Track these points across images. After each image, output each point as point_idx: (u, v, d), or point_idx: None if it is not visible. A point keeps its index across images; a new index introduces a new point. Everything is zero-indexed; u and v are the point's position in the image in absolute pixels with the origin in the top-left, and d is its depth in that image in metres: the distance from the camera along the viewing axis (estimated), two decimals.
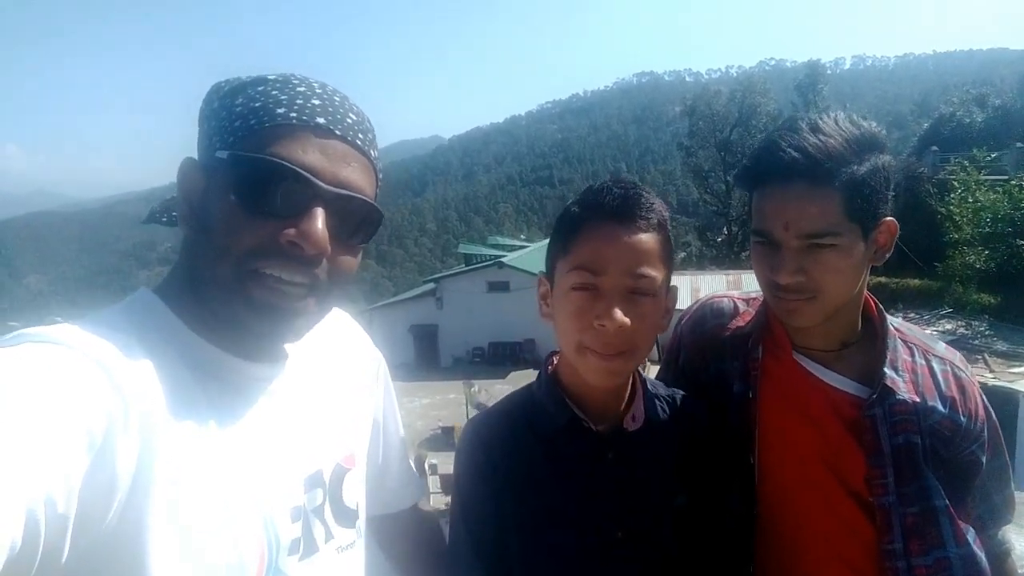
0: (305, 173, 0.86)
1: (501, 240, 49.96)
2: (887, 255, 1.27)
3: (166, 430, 0.79)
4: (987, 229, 19.89)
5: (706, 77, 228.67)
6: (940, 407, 1.27)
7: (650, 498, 1.19)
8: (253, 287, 0.87)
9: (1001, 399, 13.25)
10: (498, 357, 29.09)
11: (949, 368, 1.33)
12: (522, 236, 77.42)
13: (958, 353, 1.39)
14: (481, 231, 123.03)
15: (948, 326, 18.13)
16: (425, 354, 30.10)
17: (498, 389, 22.70)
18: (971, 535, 1.28)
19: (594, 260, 1.10)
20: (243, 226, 0.86)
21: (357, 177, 0.92)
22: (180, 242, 0.96)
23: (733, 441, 1.31)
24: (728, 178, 43.65)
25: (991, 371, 14.50)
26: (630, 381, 1.22)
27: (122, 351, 0.79)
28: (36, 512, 0.62)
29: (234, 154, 0.87)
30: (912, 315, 19.53)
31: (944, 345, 1.38)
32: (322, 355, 1.10)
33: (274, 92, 0.90)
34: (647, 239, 1.10)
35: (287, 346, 1.03)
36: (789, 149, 1.15)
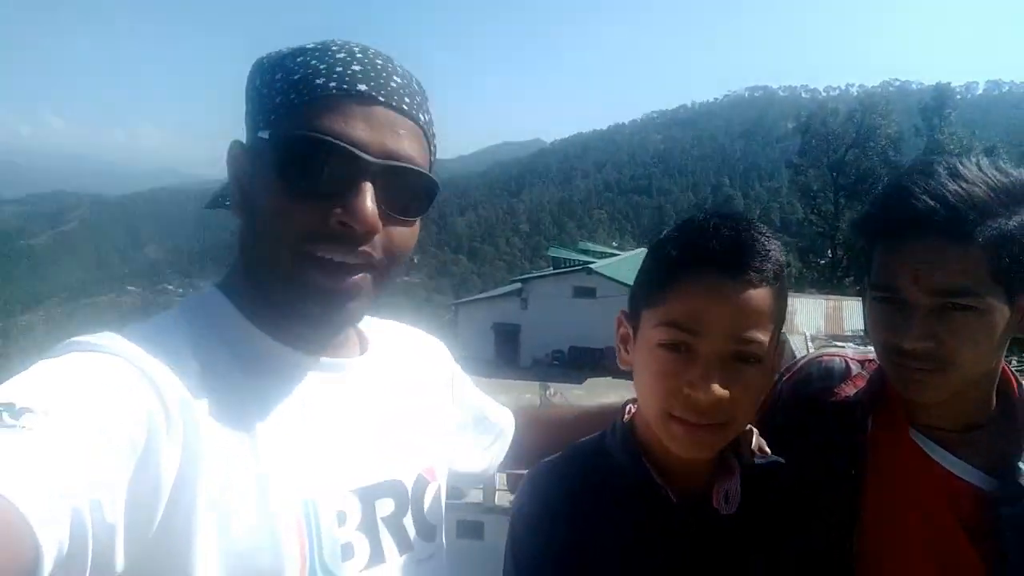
0: (349, 147, 0.81)
1: (592, 246, 49.77)
2: None
3: (210, 435, 0.78)
4: None
5: (823, 95, 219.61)
6: None
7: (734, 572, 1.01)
8: (309, 271, 0.85)
9: None
10: (577, 362, 28.86)
11: None
12: (614, 244, 76.74)
13: None
14: (573, 236, 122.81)
15: None
16: (505, 353, 30.27)
17: (574, 394, 22.52)
18: None
19: (691, 317, 0.93)
20: (291, 209, 0.83)
21: (406, 145, 0.87)
22: (240, 236, 0.93)
23: (830, 527, 1.13)
24: (839, 199, 41.68)
25: None
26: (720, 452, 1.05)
27: (168, 357, 0.78)
28: (83, 516, 0.62)
29: (275, 133, 0.83)
30: None
31: None
32: (405, 364, 1.08)
33: (312, 62, 0.85)
34: (759, 296, 0.93)
35: (369, 343, 1.03)
36: (925, 197, 1.00)
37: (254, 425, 0.83)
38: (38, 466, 0.61)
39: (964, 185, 1.00)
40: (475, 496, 15.88)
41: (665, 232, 1.04)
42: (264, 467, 0.82)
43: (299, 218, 0.83)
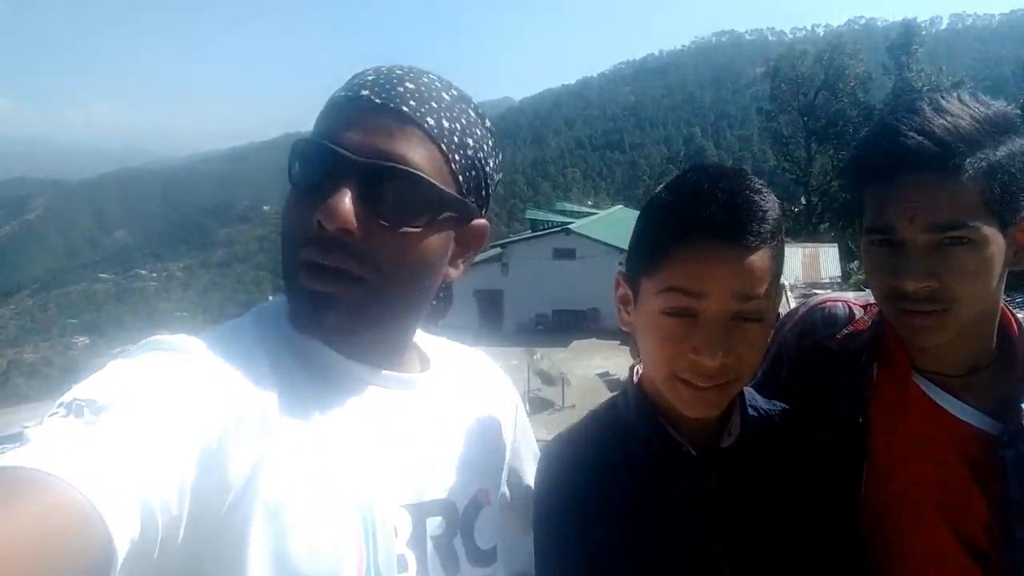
0: (330, 144, 0.83)
1: (569, 206, 49.51)
2: None
3: (279, 441, 0.80)
4: None
5: (791, 37, 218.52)
6: None
7: (761, 527, 1.04)
8: (299, 273, 0.86)
9: None
10: (562, 325, 28.99)
11: None
12: (589, 202, 76.52)
13: None
14: (549, 196, 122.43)
15: None
16: (489, 319, 30.25)
17: (560, 357, 22.65)
18: None
19: (693, 282, 0.93)
20: (291, 212, 0.88)
21: (402, 148, 0.84)
22: None
23: (839, 473, 1.15)
24: (811, 144, 41.81)
25: None
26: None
27: (242, 360, 0.81)
28: (154, 513, 0.65)
29: (294, 141, 0.88)
30: (1019, 298, 18.27)
31: None
32: (464, 386, 1.07)
33: (348, 81, 0.90)
34: (759, 257, 0.93)
35: (431, 362, 1.04)
36: (913, 134, 1.00)
37: (318, 433, 0.84)
38: (115, 462, 0.64)
39: (950, 119, 1.00)
40: None
41: (659, 192, 1.03)
42: (326, 475, 0.83)
43: (295, 219, 0.86)
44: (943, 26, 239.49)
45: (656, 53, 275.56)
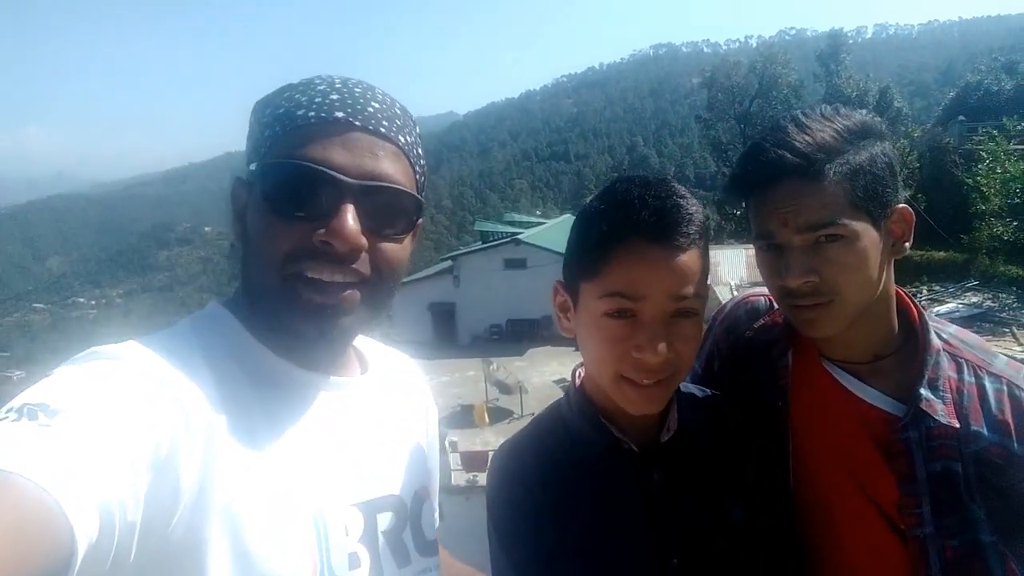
0: (328, 171, 0.86)
1: (517, 217, 49.77)
2: (907, 246, 1.18)
3: (225, 445, 0.81)
4: (1016, 200, 19.43)
5: (724, 48, 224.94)
6: (987, 432, 1.14)
7: (703, 517, 1.09)
8: (298, 288, 0.88)
9: None
10: (516, 334, 29.08)
11: (1006, 388, 1.18)
12: (538, 212, 77.16)
13: None
14: (497, 208, 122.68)
15: (975, 299, 17.81)
16: (443, 332, 30.20)
17: (516, 366, 22.78)
18: None
19: (631, 286, 0.99)
20: (278, 231, 0.88)
21: (386, 166, 0.90)
22: (240, 258, 0.97)
23: (770, 453, 1.23)
24: None
25: (1020, 343, 14.25)
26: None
27: (184, 368, 0.82)
28: (111, 514, 0.66)
29: (261, 163, 0.89)
30: (937, 287, 19.22)
31: (1006, 360, 1.23)
32: (398, 385, 1.12)
33: (296, 96, 0.91)
34: (690, 257, 1.00)
35: (369, 364, 1.08)
36: (775, 149, 1.11)
37: (265, 438, 0.86)
38: (73, 463, 0.64)
39: (808, 132, 1.11)
40: None
41: (590, 201, 1.09)
42: (276, 478, 0.85)
43: (284, 238, 0.87)
44: (868, 35, 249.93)
45: (597, 66, 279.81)
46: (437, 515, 1.13)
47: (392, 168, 0.91)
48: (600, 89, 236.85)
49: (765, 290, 1.39)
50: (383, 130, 0.91)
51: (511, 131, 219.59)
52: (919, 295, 18.58)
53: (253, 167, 0.91)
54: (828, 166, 1.09)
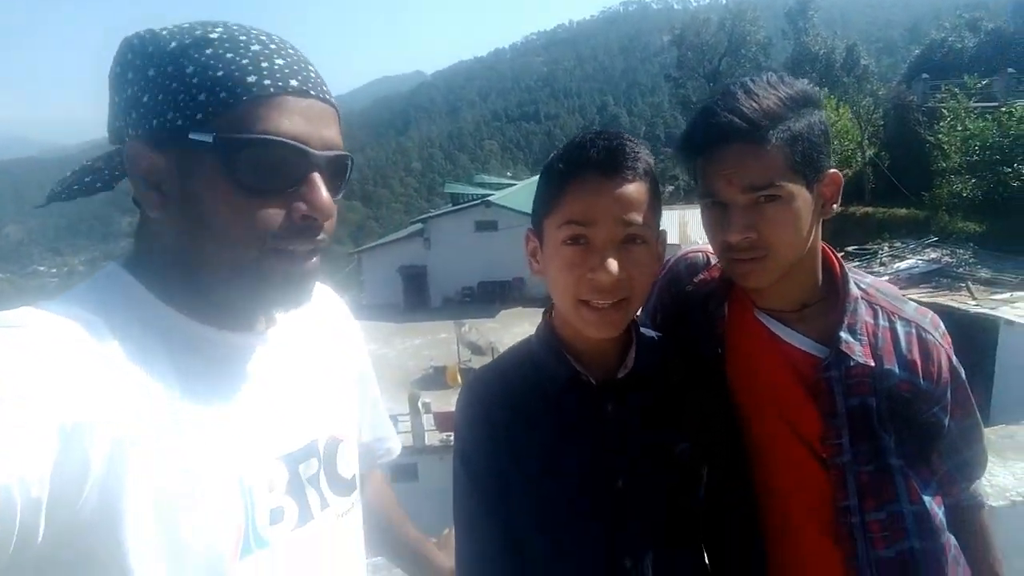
0: (300, 145, 0.85)
1: (487, 179, 49.54)
2: (835, 207, 1.28)
3: (137, 411, 0.78)
4: (975, 157, 19.90)
5: (695, 5, 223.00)
6: (898, 370, 1.28)
7: (649, 447, 1.19)
8: (276, 264, 0.87)
9: (982, 326, 13.50)
10: (488, 296, 29.17)
11: (914, 331, 1.33)
12: (508, 174, 76.82)
13: (930, 314, 1.39)
14: (467, 169, 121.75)
15: (933, 255, 18.30)
16: (415, 295, 30.17)
17: (488, 327, 22.90)
18: (930, 491, 1.32)
19: (584, 213, 1.10)
20: (253, 211, 0.84)
21: (335, 133, 0.91)
22: (147, 222, 0.91)
23: (713, 394, 1.32)
24: None
25: (974, 298, 14.73)
26: (627, 331, 1.22)
27: (89, 333, 0.78)
28: (12, 492, 0.63)
29: (223, 137, 0.82)
30: (898, 244, 19.67)
31: (915, 307, 1.39)
32: (307, 327, 1.08)
33: (229, 55, 0.84)
34: (635, 188, 1.11)
35: (276, 317, 1.03)
36: (725, 113, 1.19)
37: (181, 400, 0.84)
38: None
39: (756, 99, 1.19)
40: (405, 440, 16.10)
41: (552, 153, 1.20)
42: (196, 442, 0.83)
43: (262, 218, 0.85)
44: None
45: (566, 23, 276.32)
46: (357, 450, 1.12)
47: (338, 134, 0.92)
48: (570, 47, 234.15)
49: (703, 247, 1.51)
50: (325, 95, 0.90)
51: (480, 91, 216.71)
52: (880, 251, 19.03)
53: (205, 138, 0.82)
54: (772, 132, 1.17)
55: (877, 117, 28.11)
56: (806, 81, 1.26)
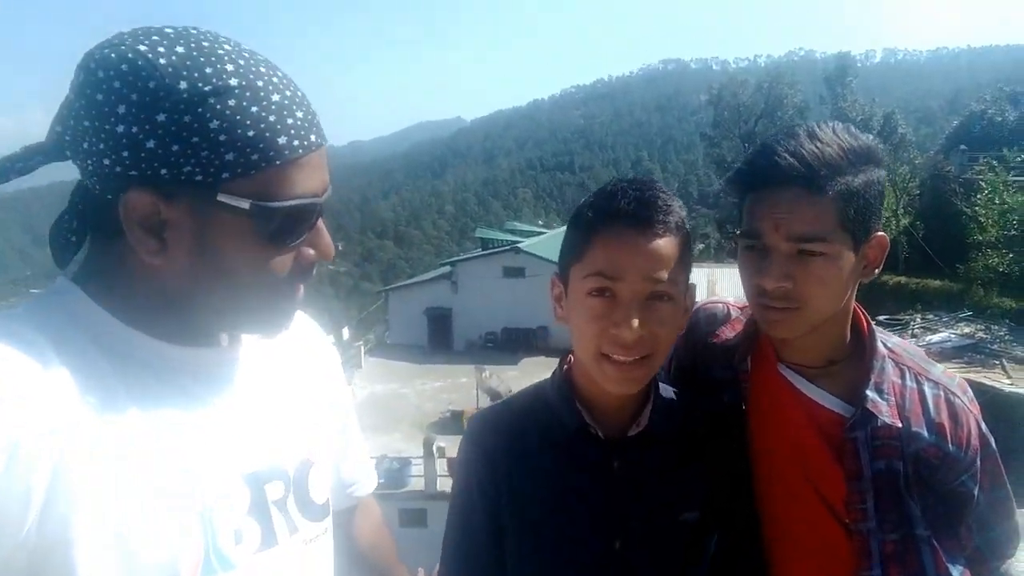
0: (318, 200, 0.88)
1: (519, 226, 49.95)
2: (876, 271, 1.25)
3: (84, 433, 0.75)
4: (1013, 232, 19.55)
5: (733, 66, 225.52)
6: (925, 433, 1.23)
7: (654, 510, 1.17)
8: (281, 301, 0.90)
9: (1017, 405, 13.05)
10: (511, 343, 29.11)
11: (943, 393, 1.27)
12: (540, 222, 77.21)
13: (958, 377, 1.34)
14: (499, 215, 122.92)
15: (967, 329, 17.86)
16: (438, 337, 30.22)
17: (510, 375, 22.77)
18: (958, 567, 1.24)
19: (610, 266, 1.08)
20: (268, 260, 0.86)
21: (327, 172, 0.92)
22: (109, 246, 0.87)
23: (730, 458, 1.29)
24: None
25: (1008, 376, 14.29)
26: (646, 389, 1.20)
27: (29, 355, 0.74)
28: None
29: (262, 206, 0.81)
30: (931, 316, 19.26)
31: (942, 369, 1.34)
32: (277, 346, 1.05)
33: (254, 109, 0.80)
34: (665, 243, 1.08)
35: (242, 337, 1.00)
36: (786, 155, 1.14)
37: (136, 422, 0.81)
38: None
39: (819, 145, 1.14)
40: (417, 484, 15.92)
41: (583, 200, 1.18)
42: (152, 462, 0.81)
43: (277, 265, 0.87)
44: (877, 59, 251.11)
45: (605, 79, 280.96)
46: (331, 477, 1.09)
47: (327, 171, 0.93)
48: (608, 102, 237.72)
49: (724, 298, 1.49)
50: (326, 136, 0.91)
51: (517, 139, 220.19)
52: (913, 323, 18.63)
53: (240, 203, 0.80)
54: (830, 183, 1.13)
55: (913, 186, 27.90)
56: (871, 136, 1.22)
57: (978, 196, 21.07)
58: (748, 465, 1.29)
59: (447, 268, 33.46)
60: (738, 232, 1.25)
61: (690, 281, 1.16)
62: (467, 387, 21.95)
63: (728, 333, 1.41)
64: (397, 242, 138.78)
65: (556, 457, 1.17)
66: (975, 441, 1.26)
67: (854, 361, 1.28)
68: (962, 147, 29.01)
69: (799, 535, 1.27)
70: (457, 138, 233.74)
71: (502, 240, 36.57)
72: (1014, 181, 21.44)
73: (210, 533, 0.85)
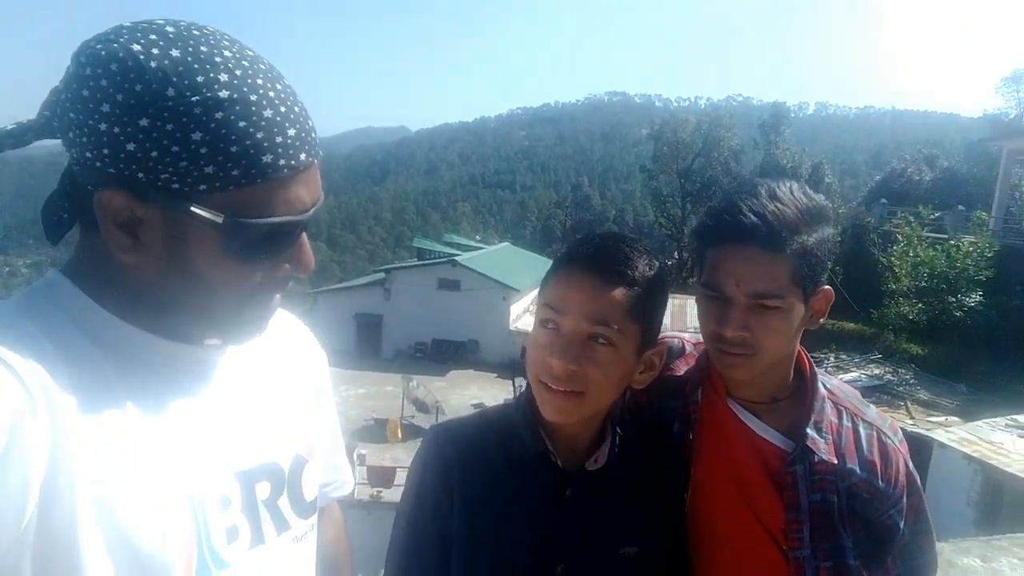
0: (301, 217, 0.85)
1: (457, 239, 49.70)
2: (821, 320, 1.34)
3: (83, 427, 0.75)
4: (923, 283, 20.75)
5: (675, 104, 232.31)
6: (858, 470, 1.32)
7: (598, 542, 1.20)
8: (250, 310, 0.90)
9: (918, 445, 13.82)
10: (440, 354, 28.93)
11: (875, 434, 1.38)
12: (477, 237, 77.22)
13: (890, 419, 1.45)
14: (438, 227, 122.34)
15: (876, 371, 18.81)
16: (367, 344, 29.75)
17: (437, 386, 22.61)
18: None
19: (558, 300, 1.14)
20: (241, 272, 0.85)
21: (319, 184, 0.90)
22: (95, 239, 0.84)
23: (671, 481, 1.34)
24: (686, 204, 44.61)
25: (911, 418, 15.10)
26: (600, 425, 1.24)
27: (24, 345, 0.74)
28: None
29: (234, 221, 0.79)
30: (844, 356, 20.21)
31: (876, 411, 1.45)
32: (273, 348, 1.06)
33: (242, 125, 0.77)
34: (615, 292, 1.12)
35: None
36: (750, 214, 1.21)
37: (130, 414, 0.81)
38: None
39: (779, 206, 1.22)
40: None
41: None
42: (146, 457, 0.80)
43: (251, 276, 0.86)
44: (810, 111, 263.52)
45: (552, 103, 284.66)
46: (322, 473, 1.11)
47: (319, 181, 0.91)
48: (553, 126, 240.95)
49: (680, 334, 1.56)
50: (319, 150, 0.88)
51: (461, 154, 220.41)
52: (827, 361, 19.51)
53: (215, 217, 0.78)
54: (788, 243, 1.21)
55: (835, 234, 29.23)
56: (823, 196, 1.30)
57: (894, 248, 22.29)
58: (682, 511, 1.34)
59: (381, 275, 33.04)
60: (700, 282, 1.32)
61: (661, 342, 1.22)
62: (393, 395, 21.64)
63: (682, 367, 1.48)
64: (331, 245, 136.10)
65: (511, 475, 1.20)
66: (903, 479, 1.37)
67: (796, 399, 1.37)
68: (883, 200, 30.66)
69: (741, 559, 1.33)
70: (400, 146, 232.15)
71: (439, 252, 36.39)
72: (927, 236, 22.82)
73: (203, 531, 0.85)
